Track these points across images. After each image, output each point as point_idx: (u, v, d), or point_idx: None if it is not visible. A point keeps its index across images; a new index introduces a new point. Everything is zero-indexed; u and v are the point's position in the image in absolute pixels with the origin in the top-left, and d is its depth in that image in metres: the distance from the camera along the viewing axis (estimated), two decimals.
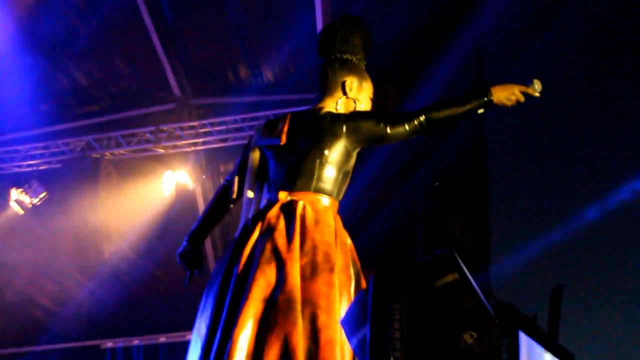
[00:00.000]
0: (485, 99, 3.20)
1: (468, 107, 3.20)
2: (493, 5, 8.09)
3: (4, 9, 8.28)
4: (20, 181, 9.40)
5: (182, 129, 9.01)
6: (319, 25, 7.58)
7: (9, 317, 10.36)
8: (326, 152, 3.18)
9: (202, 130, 8.96)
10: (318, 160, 3.17)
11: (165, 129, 9.03)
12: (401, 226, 8.67)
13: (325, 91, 3.40)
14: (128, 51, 8.99)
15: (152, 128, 9.05)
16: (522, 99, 3.26)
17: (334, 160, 3.19)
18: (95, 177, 9.10)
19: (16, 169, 9.49)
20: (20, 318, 10.52)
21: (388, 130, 3.17)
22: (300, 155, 3.21)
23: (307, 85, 8.23)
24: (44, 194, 9.39)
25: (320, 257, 2.96)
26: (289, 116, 3.38)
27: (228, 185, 3.46)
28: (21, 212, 9.40)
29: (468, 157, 9.32)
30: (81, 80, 9.21)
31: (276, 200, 3.16)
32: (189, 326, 3.20)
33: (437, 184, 8.88)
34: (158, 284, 10.35)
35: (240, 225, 3.20)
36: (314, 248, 2.98)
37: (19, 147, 9.38)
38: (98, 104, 9.56)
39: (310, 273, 2.92)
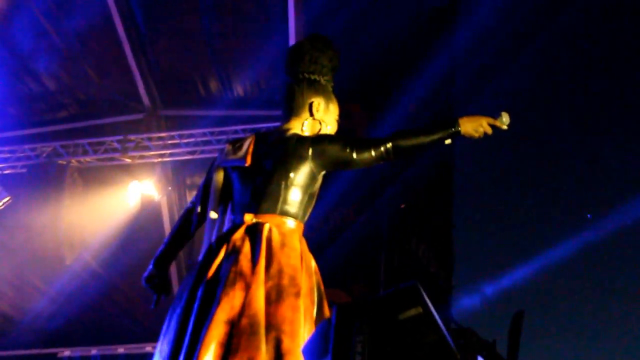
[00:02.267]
0: (453, 129, 3.19)
1: (435, 137, 3.19)
2: (463, 33, 8.18)
3: None
4: None
5: (150, 139, 8.97)
6: (292, 43, 7.59)
7: None
8: (292, 174, 3.16)
9: (170, 141, 8.93)
10: (283, 183, 3.15)
11: (132, 138, 8.99)
12: (365, 247, 8.68)
13: (291, 111, 3.37)
14: (99, 59, 8.94)
15: (120, 137, 9.01)
16: (489, 131, 3.24)
17: (300, 183, 3.17)
18: (60, 183, 9.03)
19: None
20: None
21: (354, 155, 3.16)
22: (265, 177, 3.18)
23: (277, 102, 8.23)
24: (8, 198, 9.30)
25: (286, 281, 2.94)
26: (253, 137, 3.36)
27: (193, 207, 3.42)
28: None
29: (434, 181, 9.38)
30: (50, 85, 9.14)
31: (241, 222, 3.13)
32: (149, 338, 3.17)
33: (402, 206, 8.91)
34: (119, 294, 10.25)
35: (204, 248, 3.17)
36: (280, 272, 2.96)
37: None
38: (66, 110, 9.49)
39: (275, 297, 2.89)
